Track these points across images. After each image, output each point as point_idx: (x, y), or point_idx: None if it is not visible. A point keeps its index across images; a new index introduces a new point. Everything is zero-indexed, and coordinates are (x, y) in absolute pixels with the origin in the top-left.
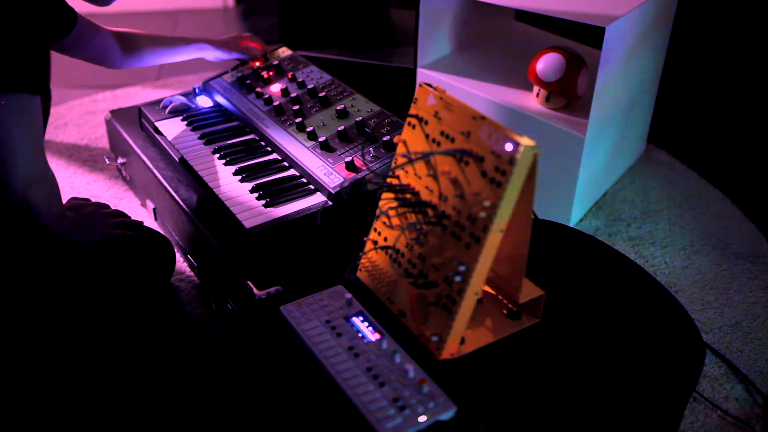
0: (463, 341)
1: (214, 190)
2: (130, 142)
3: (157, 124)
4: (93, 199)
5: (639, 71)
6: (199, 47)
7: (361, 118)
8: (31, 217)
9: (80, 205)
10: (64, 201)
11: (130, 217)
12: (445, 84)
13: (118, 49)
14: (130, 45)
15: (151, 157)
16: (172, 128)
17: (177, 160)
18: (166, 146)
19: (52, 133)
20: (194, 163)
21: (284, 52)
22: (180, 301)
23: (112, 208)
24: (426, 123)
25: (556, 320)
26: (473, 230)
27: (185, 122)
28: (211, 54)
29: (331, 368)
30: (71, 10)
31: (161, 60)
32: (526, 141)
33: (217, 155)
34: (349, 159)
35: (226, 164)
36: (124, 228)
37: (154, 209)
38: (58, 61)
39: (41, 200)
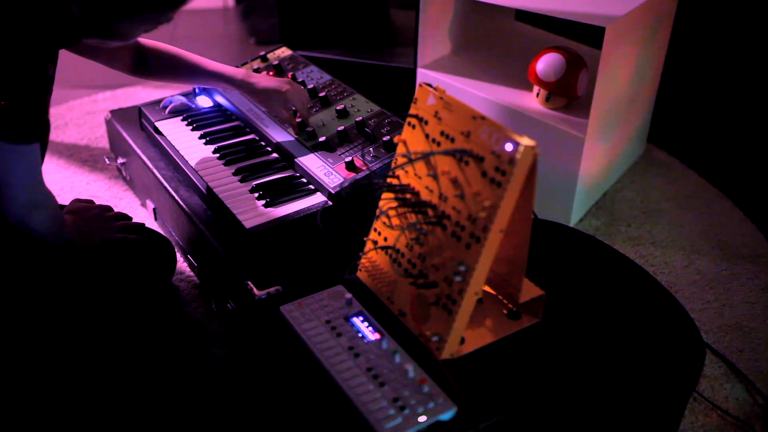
0: (463, 341)
1: (214, 190)
2: (130, 142)
3: (157, 124)
4: (93, 199)
5: (639, 71)
6: (233, 86)
7: (361, 118)
8: (31, 236)
9: (83, 208)
10: (67, 202)
11: (131, 219)
12: (445, 84)
13: (131, 61)
14: (147, 61)
15: (151, 157)
16: (172, 128)
17: (177, 160)
18: (166, 146)
19: (52, 134)
20: (194, 163)
21: (284, 52)
22: (180, 302)
23: (113, 208)
24: (426, 123)
25: (556, 320)
26: (473, 230)
27: (185, 122)
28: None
29: (331, 368)
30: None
31: (183, 83)
32: (526, 141)
33: (217, 155)
34: (349, 159)
35: (226, 164)
36: (125, 232)
37: (154, 209)
38: (59, 60)
39: (40, 224)
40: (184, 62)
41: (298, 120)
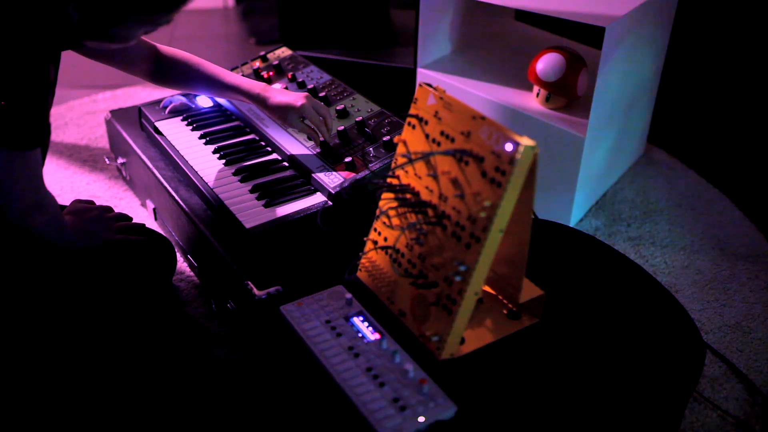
0: (463, 341)
1: (215, 190)
2: (130, 142)
3: (157, 124)
4: (93, 200)
5: (639, 71)
6: (250, 99)
7: (361, 118)
8: (32, 238)
9: (83, 209)
10: (67, 202)
11: (131, 219)
12: (445, 84)
13: (149, 67)
14: (164, 69)
15: (151, 157)
16: (172, 128)
17: (177, 160)
18: (166, 146)
19: (52, 134)
20: (194, 164)
21: (284, 52)
22: (180, 302)
23: (113, 209)
24: (426, 123)
25: (556, 320)
26: (473, 230)
27: (185, 122)
28: (260, 107)
29: (331, 368)
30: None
31: (201, 93)
32: (526, 141)
33: (217, 155)
34: (349, 159)
35: (226, 164)
36: (126, 232)
37: (154, 209)
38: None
39: (41, 226)
40: (201, 73)
41: (321, 139)
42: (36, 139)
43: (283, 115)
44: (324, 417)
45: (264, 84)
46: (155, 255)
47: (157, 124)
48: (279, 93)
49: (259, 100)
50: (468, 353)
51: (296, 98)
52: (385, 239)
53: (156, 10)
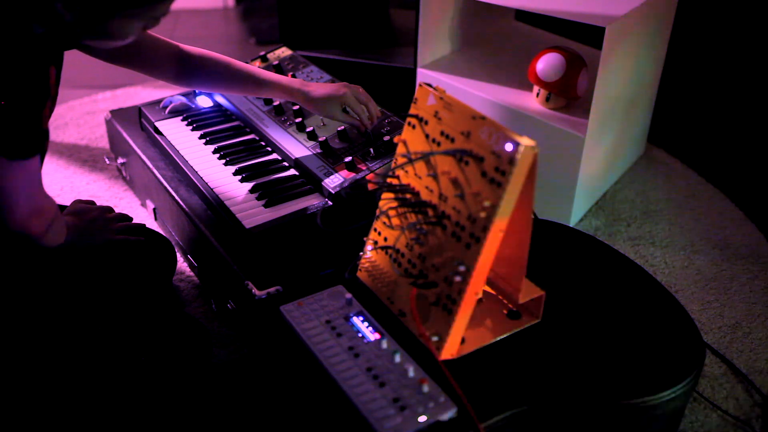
0: (463, 341)
1: (214, 190)
2: (130, 142)
3: (157, 124)
4: (93, 200)
5: (639, 71)
6: (290, 95)
7: None
8: (32, 241)
9: (83, 209)
10: (67, 202)
11: (132, 219)
12: (445, 84)
13: (174, 69)
14: (193, 69)
15: (151, 157)
16: (172, 128)
17: (177, 160)
18: (166, 146)
19: (52, 133)
20: (194, 163)
21: (284, 52)
22: (180, 302)
23: (114, 209)
24: (426, 123)
25: (556, 320)
26: (473, 230)
27: (185, 122)
28: (303, 103)
29: (331, 368)
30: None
31: (232, 92)
32: (526, 141)
33: (217, 155)
34: (349, 159)
35: (226, 164)
36: (126, 233)
37: (154, 209)
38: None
39: (40, 230)
40: (234, 71)
41: (367, 126)
42: (35, 147)
43: (325, 106)
44: (324, 417)
45: (300, 80)
46: (155, 255)
47: (157, 124)
48: (318, 86)
49: (300, 95)
50: (468, 353)
51: (337, 88)
52: (385, 239)
53: (144, 2)
